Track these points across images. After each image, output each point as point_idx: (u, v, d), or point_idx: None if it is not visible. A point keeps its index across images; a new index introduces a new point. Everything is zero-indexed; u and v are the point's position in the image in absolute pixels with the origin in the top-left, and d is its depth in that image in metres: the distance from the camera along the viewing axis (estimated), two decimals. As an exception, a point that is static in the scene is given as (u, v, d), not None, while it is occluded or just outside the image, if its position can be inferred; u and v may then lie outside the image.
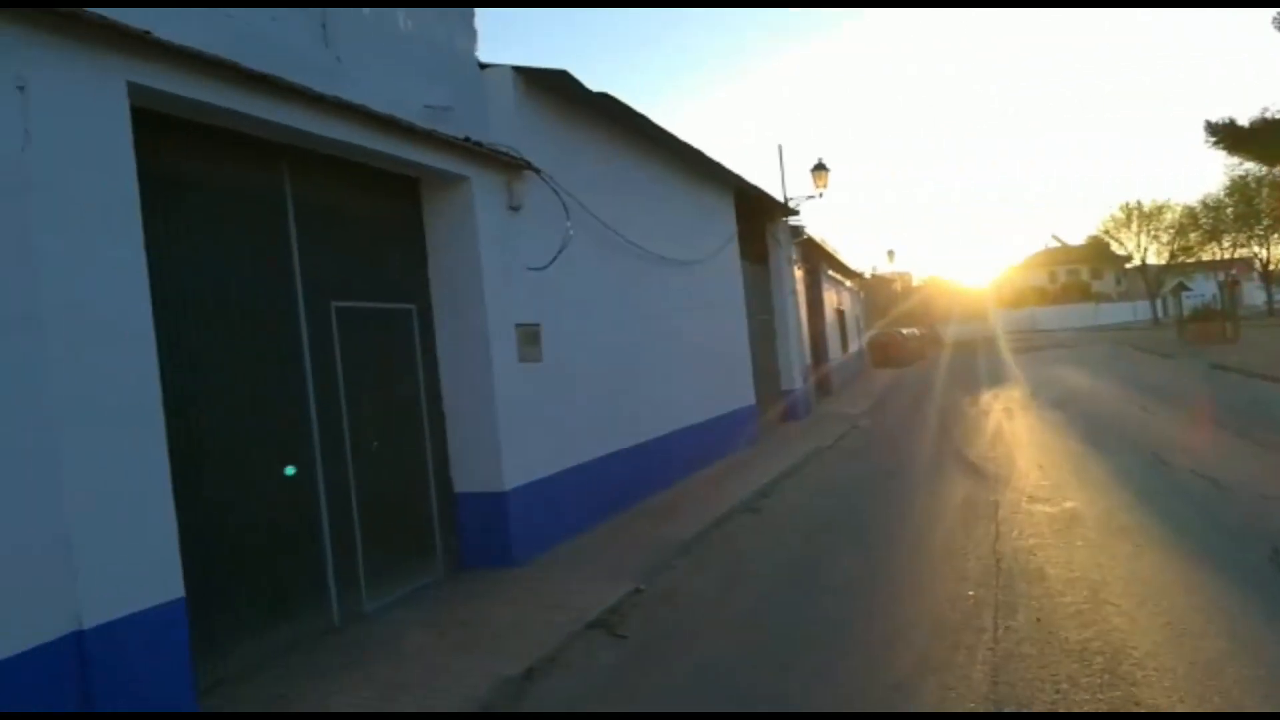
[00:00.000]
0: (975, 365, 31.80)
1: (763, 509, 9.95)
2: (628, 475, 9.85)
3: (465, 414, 7.64)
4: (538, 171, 8.32)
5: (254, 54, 5.33)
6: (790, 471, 12.23)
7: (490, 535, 7.62)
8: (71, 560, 4.14)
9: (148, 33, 4.54)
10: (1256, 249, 51.73)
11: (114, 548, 4.32)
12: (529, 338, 8.17)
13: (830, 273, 27.62)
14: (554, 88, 8.73)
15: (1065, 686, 4.69)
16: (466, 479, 7.68)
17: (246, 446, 5.66)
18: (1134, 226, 56.78)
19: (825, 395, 23.22)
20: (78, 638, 4.16)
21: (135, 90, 4.60)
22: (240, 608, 5.51)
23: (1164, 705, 4.38)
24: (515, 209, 8.14)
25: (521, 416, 7.89)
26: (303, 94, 5.61)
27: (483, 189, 7.71)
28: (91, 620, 4.21)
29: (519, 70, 8.24)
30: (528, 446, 7.94)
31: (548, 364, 8.38)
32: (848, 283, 32.51)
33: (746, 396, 15.07)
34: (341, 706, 4.88)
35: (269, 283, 5.97)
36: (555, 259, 8.45)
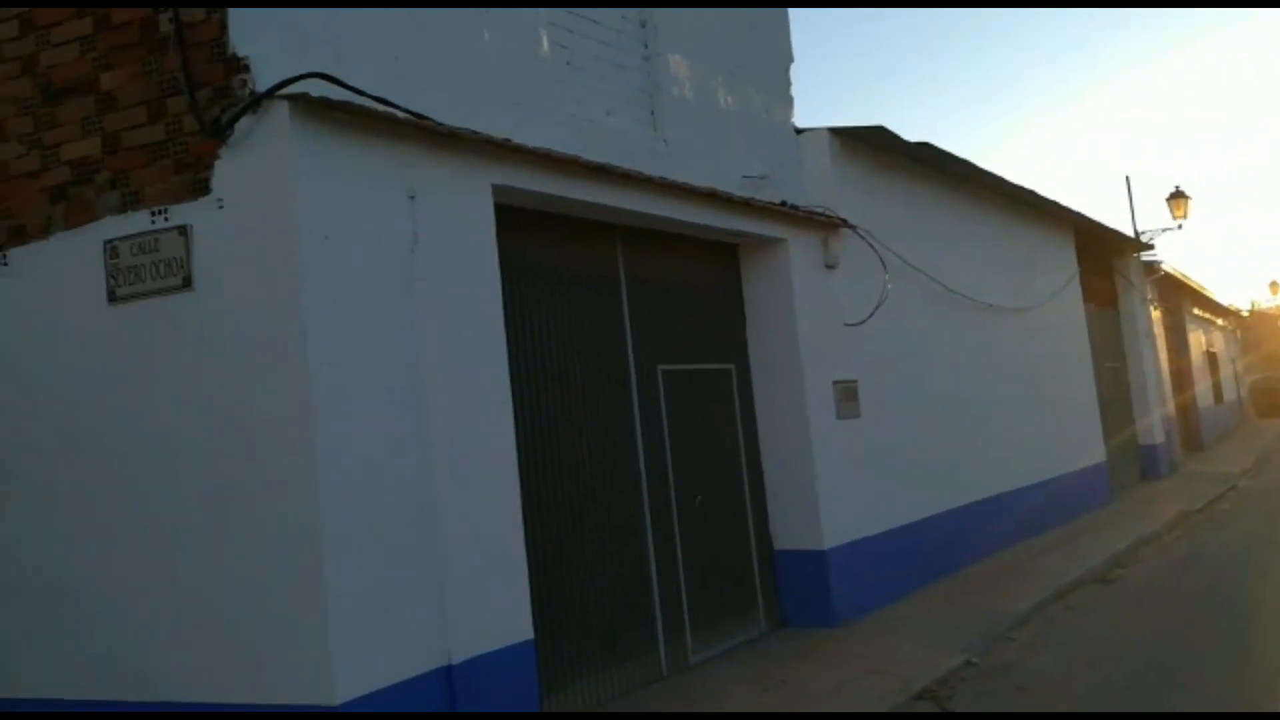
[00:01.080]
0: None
1: (1117, 580, 8.98)
2: (955, 537, 9.36)
3: (784, 471, 7.73)
4: (853, 228, 8.31)
5: (594, 147, 5.91)
6: (1150, 538, 10.93)
7: (810, 594, 7.60)
8: (443, 602, 4.73)
9: (508, 140, 5.22)
10: None
11: (477, 592, 4.86)
12: (847, 394, 8.11)
13: (1196, 311, 24.45)
14: (869, 142, 8.71)
15: None
16: (786, 536, 7.74)
17: (584, 502, 6.16)
18: None
19: (1194, 451, 20.47)
20: (447, 671, 4.71)
21: (498, 190, 5.28)
22: (578, 650, 5.94)
23: None
24: (831, 267, 8.18)
25: (840, 474, 7.82)
26: (635, 178, 6.11)
27: (799, 249, 7.84)
28: (459, 656, 4.74)
29: (835, 131, 8.32)
30: (847, 505, 7.84)
31: (867, 420, 8.26)
32: (1219, 321, 28.55)
33: (1094, 453, 13.71)
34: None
35: (603, 350, 6.50)
36: (873, 313, 8.35)
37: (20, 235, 4.92)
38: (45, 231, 4.84)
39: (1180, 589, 8.56)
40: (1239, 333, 33.32)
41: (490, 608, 4.94)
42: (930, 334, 9.54)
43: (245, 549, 4.36)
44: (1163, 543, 10.87)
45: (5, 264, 4.95)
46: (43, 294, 4.87)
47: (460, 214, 5.07)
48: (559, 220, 6.15)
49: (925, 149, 9.10)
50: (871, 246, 8.44)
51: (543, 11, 5.96)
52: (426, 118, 4.87)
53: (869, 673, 6.26)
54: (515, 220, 5.64)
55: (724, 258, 7.83)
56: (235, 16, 4.36)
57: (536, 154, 5.41)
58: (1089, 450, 13.58)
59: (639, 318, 6.80)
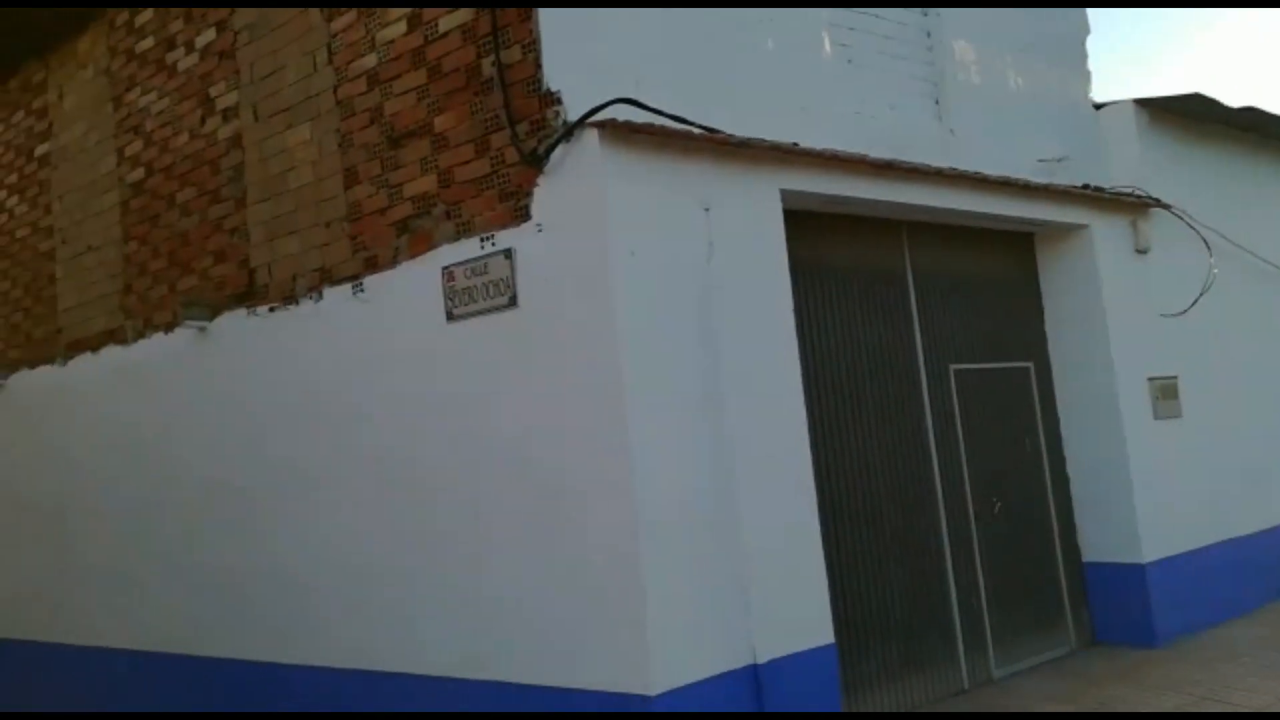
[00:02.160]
0: None
1: None
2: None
3: (1093, 477, 7.17)
4: (1167, 208, 7.55)
5: (879, 143, 5.82)
6: None
7: (1127, 610, 7.00)
8: (747, 603, 4.84)
9: (795, 145, 5.27)
10: None
11: (779, 594, 4.93)
12: (1165, 391, 7.38)
13: None
14: (1182, 112, 7.89)
15: None
16: (1097, 547, 7.18)
17: (877, 507, 6.07)
18: None
19: None
20: (754, 670, 4.81)
21: (786, 195, 5.34)
22: (877, 657, 5.86)
23: None
24: (1142, 252, 7.49)
25: (1161, 480, 7.13)
26: (922, 172, 5.94)
27: (1104, 235, 7.25)
28: (764, 656, 4.82)
29: (1141, 103, 7.61)
30: (1170, 514, 7.14)
31: (1190, 420, 7.47)
32: None
33: None
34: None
35: (892, 351, 6.36)
36: (1196, 301, 7.54)
37: (373, 265, 5.61)
38: (393, 261, 5.50)
39: None
40: None
41: (792, 610, 5.00)
42: (1263, 320, 8.46)
43: (568, 547, 4.69)
44: None
45: (362, 290, 5.67)
46: (391, 316, 5.52)
47: (751, 221, 5.17)
48: (845, 220, 6.09)
49: (1250, 114, 8.09)
50: (1191, 226, 7.63)
51: (824, 13, 5.95)
52: (718, 131, 5.02)
53: (1203, 700, 5.67)
54: (803, 223, 5.66)
55: (1018, 249, 7.39)
56: (547, 54, 4.73)
57: (823, 156, 5.41)
58: None
59: (928, 316, 6.59)
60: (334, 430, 5.81)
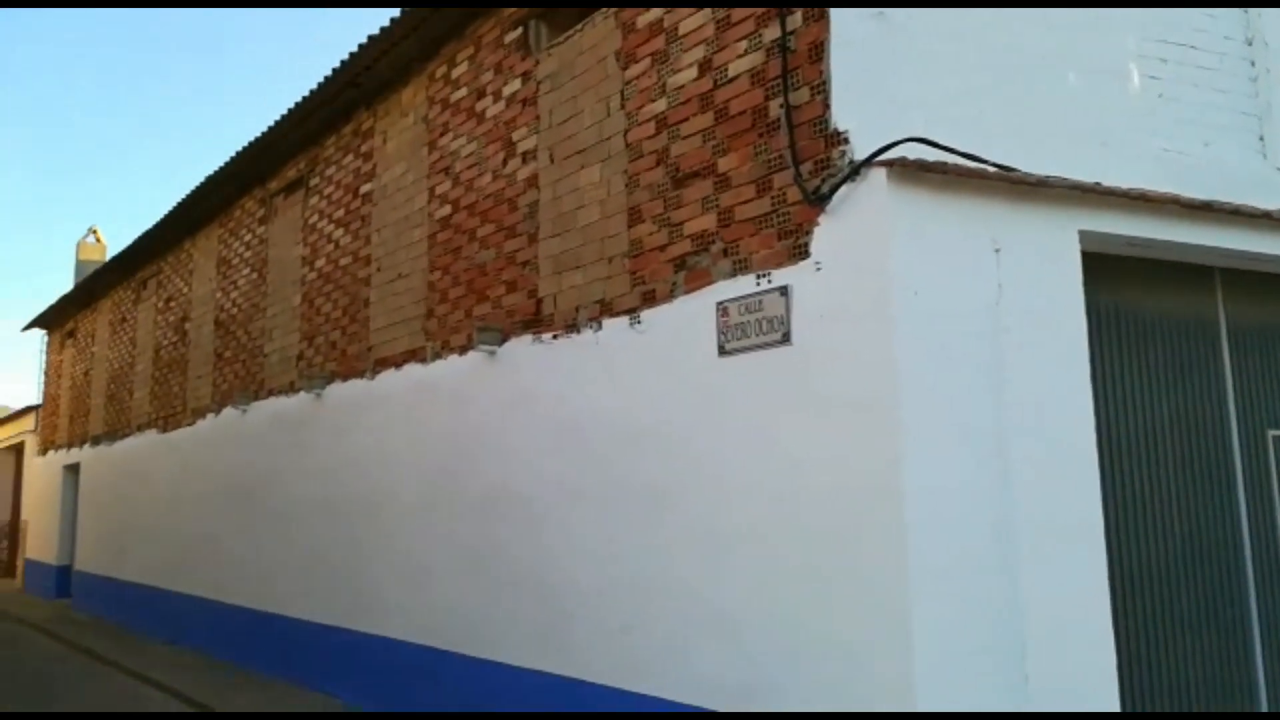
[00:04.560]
0: None
1: None
2: None
3: None
4: None
5: (1189, 182, 5.38)
6: None
7: None
8: (1023, 657, 4.55)
9: (1097, 184, 4.97)
10: None
11: (1059, 652, 4.61)
12: None
13: None
14: None
15: None
16: None
17: (1174, 576, 5.51)
18: None
19: None
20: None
21: (1084, 236, 5.05)
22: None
23: None
24: None
25: None
26: (1243, 214, 5.42)
27: None
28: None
29: None
30: None
31: None
32: None
33: None
34: None
35: (1198, 410, 5.78)
36: None
37: (650, 299, 5.89)
38: (670, 295, 5.75)
39: None
40: None
41: (1072, 670, 4.66)
42: None
43: (834, 591, 4.65)
44: None
45: (639, 322, 5.96)
46: (665, 348, 5.76)
47: (1045, 264, 4.93)
48: (1148, 265, 5.65)
49: None
50: None
51: (1132, 43, 5.59)
52: (1013, 169, 4.84)
53: None
54: (1100, 267, 5.30)
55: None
56: (836, 95, 4.79)
57: (1129, 196, 5.06)
58: None
59: (1245, 374, 5.95)
60: (606, 452, 6.12)
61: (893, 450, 4.46)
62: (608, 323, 6.20)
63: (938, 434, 4.53)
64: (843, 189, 4.73)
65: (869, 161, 4.59)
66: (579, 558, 6.26)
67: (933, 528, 4.44)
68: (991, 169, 4.76)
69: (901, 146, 4.59)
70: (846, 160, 4.72)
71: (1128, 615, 5.22)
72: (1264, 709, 5.65)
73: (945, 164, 4.64)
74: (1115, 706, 4.74)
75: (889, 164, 4.55)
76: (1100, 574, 4.84)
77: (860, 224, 4.68)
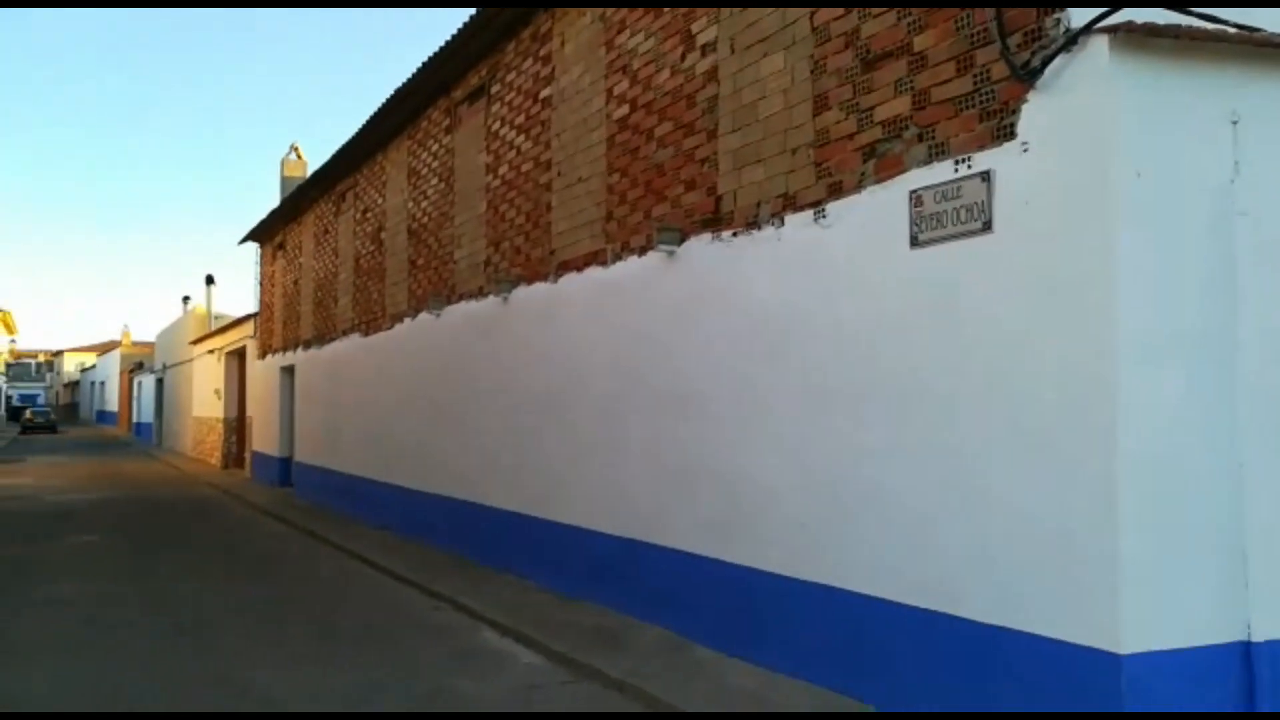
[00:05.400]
0: None
1: None
2: None
3: None
4: None
5: None
6: None
7: None
8: (1246, 573, 4.30)
9: (1362, 41, 4.36)
10: None
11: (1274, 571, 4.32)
12: None
13: None
14: None
15: None
16: None
17: None
18: None
19: None
20: (1245, 647, 4.30)
21: (1341, 101, 4.46)
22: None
23: None
24: None
25: None
26: None
27: None
28: (1261, 635, 4.29)
29: None
30: None
31: None
32: None
33: None
34: None
35: None
36: None
37: (837, 190, 5.70)
38: (858, 186, 5.54)
39: None
40: None
41: (1301, 589, 4.34)
42: None
43: (1042, 486, 4.48)
44: None
45: (824, 216, 5.79)
46: (852, 241, 5.59)
47: (1294, 136, 4.40)
48: None
49: None
50: None
51: None
52: (1256, 29, 4.30)
53: None
54: None
55: None
56: (1057, -43, 4.37)
57: (1402, 51, 4.40)
58: None
59: None
60: (788, 349, 6.07)
61: (1108, 346, 4.18)
62: (790, 218, 6.07)
63: (1158, 329, 4.22)
64: (1057, 61, 4.35)
65: (1089, 29, 4.19)
66: (760, 454, 6.31)
67: (1147, 433, 4.19)
68: (1231, 29, 4.24)
69: (1125, 10, 4.15)
70: (1062, 29, 4.33)
71: None
72: None
73: (1178, 26, 4.17)
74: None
75: (1112, 29, 4.14)
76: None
77: (1077, 99, 4.30)
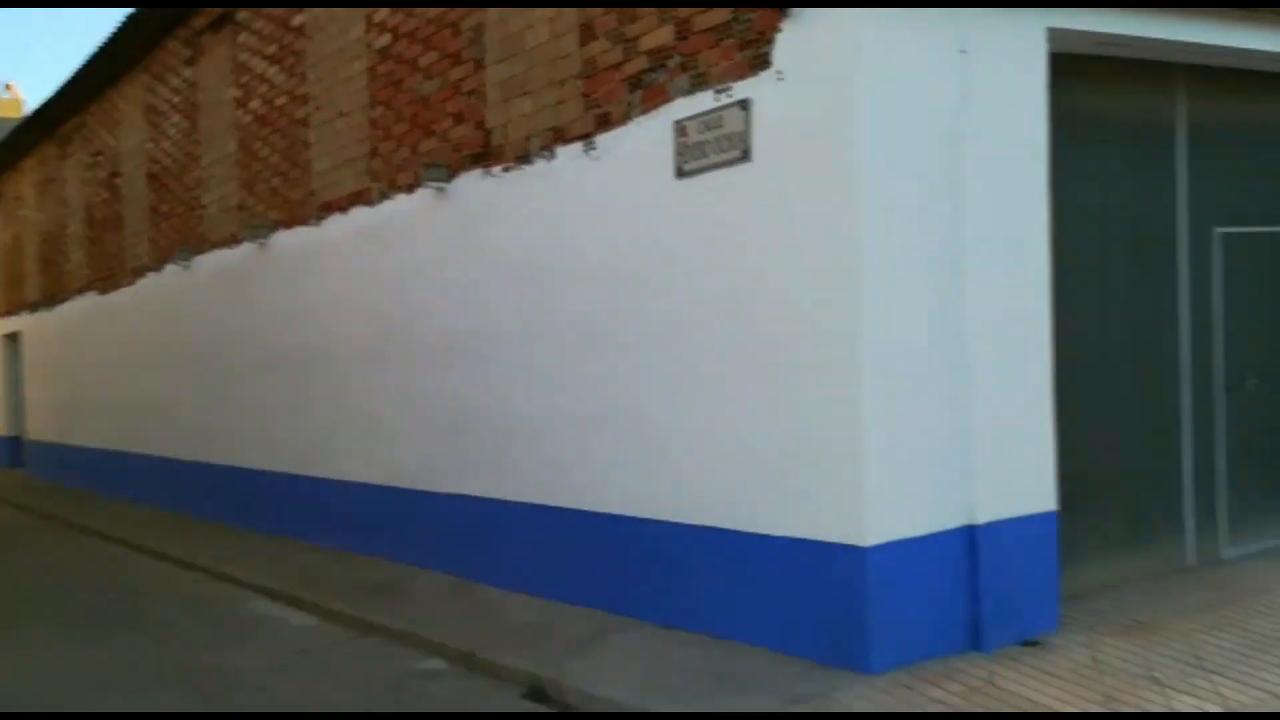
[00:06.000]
0: None
1: None
2: None
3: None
4: None
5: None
6: None
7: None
8: (970, 464, 4.77)
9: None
10: None
11: (1003, 458, 4.85)
12: None
13: None
14: None
15: None
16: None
17: (1115, 376, 5.78)
18: None
19: None
20: (970, 531, 4.79)
21: (1053, 35, 4.93)
22: (1099, 530, 5.69)
23: None
24: None
25: None
26: (1208, 5, 5.34)
27: None
28: (982, 518, 4.79)
29: None
30: None
31: None
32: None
33: None
34: (1203, 647, 4.71)
35: (1148, 211, 5.91)
36: None
37: (605, 122, 5.74)
38: (625, 118, 5.60)
39: None
40: None
41: (1015, 475, 4.92)
42: None
43: (792, 398, 4.77)
44: None
45: (594, 148, 5.82)
46: (622, 173, 5.67)
47: (1011, 65, 4.85)
48: (1110, 64, 5.59)
49: None
50: None
51: None
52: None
53: None
54: (1064, 68, 5.20)
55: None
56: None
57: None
58: None
59: (1198, 174, 6.04)
60: (560, 286, 6.10)
61: (852, 263, 4.50)
62: (561, 151, 6.06)
63: (899, 249, 4.57)
64: (805, -10, 4.56)
65: (829, -40, 4.43)
66: (532, 394, 6.33)
67: (887, 339, 4.52)
68: (958, -31, 4.62)
69: (867, -56, 4.41)
70: (809, -40, 4.54)
71: (1070, 419, 5.40)
72: (1189, 499, 6.06)
73: (912, -38, 4.48)
74: (1052, 505, 5.02)
75: (850, -37, 4.39)
76: (1046, 380, 5.02)
77: (824, 29, 4.54)
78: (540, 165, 6.20)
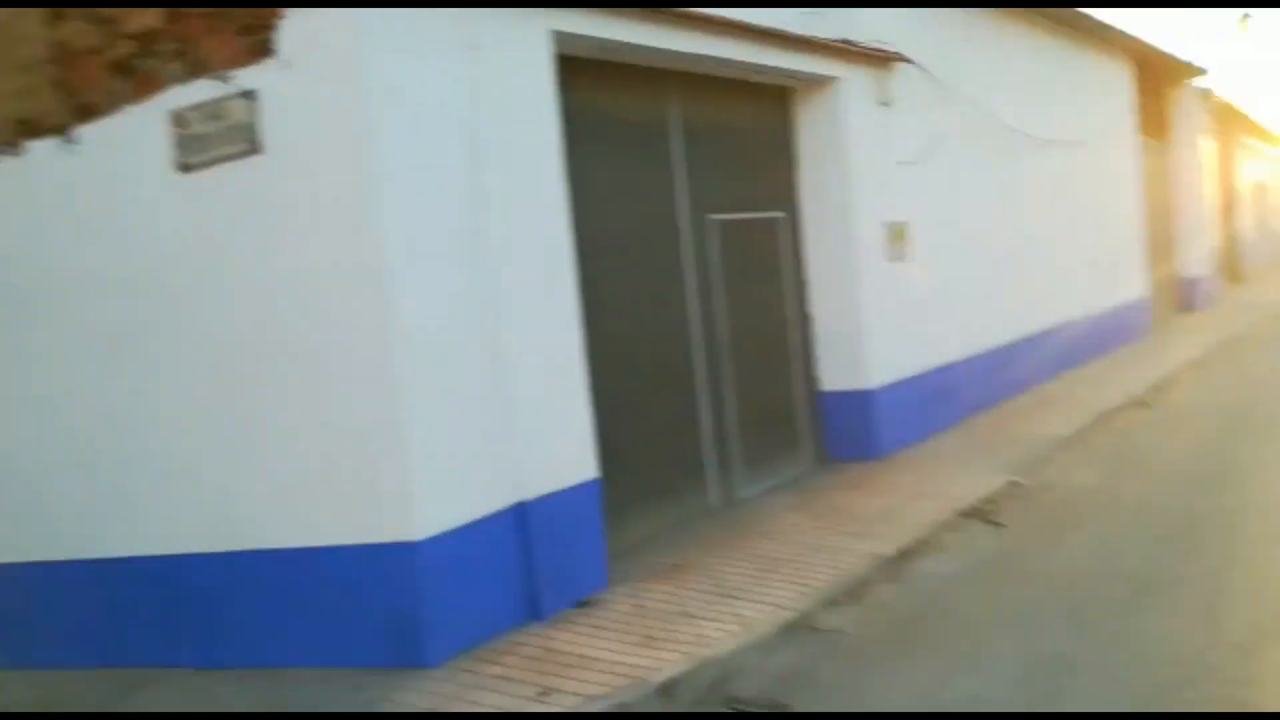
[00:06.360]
0: None
1: (1155, 404, 9.20)
2: (999, 373, 9.57)
3: (832, 316, 7.87)
4: (910, 62, 8.12)
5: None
6: (1190, 364, 11.11)
7: (855, 431, 7.88)
8: (514, 445, 4.93)
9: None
10: None
11: (545, 435, 5.10)
12: (896, 236, 8.15)
13: (1247, 141, 23.61)
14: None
15: None
16: (832, 377, 7.95)
17: (640, 349, 6.39)
18: None
19: (1236, 282, 20.26)
20: (521, 508, 4.98)
21: (559, 38, 5.22)
22: (638, 490, 6.25)
23: None
24: (886, 104, 8.03)
25: (887, 316, 7.97)
26: (694, 18, 5.99)
27: (853, 87, 7.72)
28: (531, 494, 5.01)
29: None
30: (894, 346, 8.03)
31: (915, 262, 8.33)
32: (1270, 151, 27.55)
33: (1138, 287, 13.70)
34: (726, 577, 5.42)
35: (657, 201, 6.59)
36: (924, 152, 8.27)
37: (87, 113, 5.04)
38: (113, 107, 4.97)
39: (1217, 409, 8.77)
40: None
41: (558, 449, 5.19)
42: (981, 172, 9.47)
43: (327, 406, 4.61)
44: (1204, 368, 11.01)
45: (75, 142, 5.10)
46: (114, 168, 5.03)
47: (521, 65, 5.05)
48: (615, 70, 6.10)
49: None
50: (931, 82, 8.26)
51: None
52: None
53: (916, 496, 6.60)
54: (573, 71, 5.56)
55: (778, 104, 7.74)
56: None
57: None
58: (1133, 284, 13.57)
59: (692, 168, 6.85)
60: (52, 300, 5.30)
61: (375, 256, 4.42)
62: (35, 146, 5.22)
63: (421, 238, 4.56)
64: (302, -22, 4.35)
65: (327, -50, 4.27)
66: (19, 432, 5.50)
67: (418, 333, 4.50)
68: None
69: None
70: (304, -54, 4.33)
71: (604, 392, 5.81)
72: (710, 451, 6.91)
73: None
74: (594, 473, 5.40)
75: (348, -47, 4.27)
76: (577, 357, 5.37)
77: (329, 17, 4.37)
78: (8, 163, 5.30)
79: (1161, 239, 15.36)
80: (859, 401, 7.86)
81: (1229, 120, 20.41)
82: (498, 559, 4.89)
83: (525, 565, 4.99)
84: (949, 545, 5.74)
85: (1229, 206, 20.74)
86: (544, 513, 5.06)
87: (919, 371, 8.36)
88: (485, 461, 4.84)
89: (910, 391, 8.20)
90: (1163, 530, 5.55)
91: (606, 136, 6.17)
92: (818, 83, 7.62)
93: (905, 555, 5.58)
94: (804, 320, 7.93)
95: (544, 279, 5.19)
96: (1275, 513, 5.40)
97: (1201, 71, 16.41)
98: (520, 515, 4.99)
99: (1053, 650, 4.24)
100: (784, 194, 7.82)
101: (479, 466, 4.81)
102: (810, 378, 7.97)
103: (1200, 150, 17.00)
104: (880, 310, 7.89)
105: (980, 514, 6.19)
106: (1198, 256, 16.58)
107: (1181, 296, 16.28)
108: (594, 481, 5.42)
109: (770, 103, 7.68)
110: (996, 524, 6.00)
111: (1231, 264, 20.38)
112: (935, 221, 8.63)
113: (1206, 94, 17.22)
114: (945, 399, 8.69)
